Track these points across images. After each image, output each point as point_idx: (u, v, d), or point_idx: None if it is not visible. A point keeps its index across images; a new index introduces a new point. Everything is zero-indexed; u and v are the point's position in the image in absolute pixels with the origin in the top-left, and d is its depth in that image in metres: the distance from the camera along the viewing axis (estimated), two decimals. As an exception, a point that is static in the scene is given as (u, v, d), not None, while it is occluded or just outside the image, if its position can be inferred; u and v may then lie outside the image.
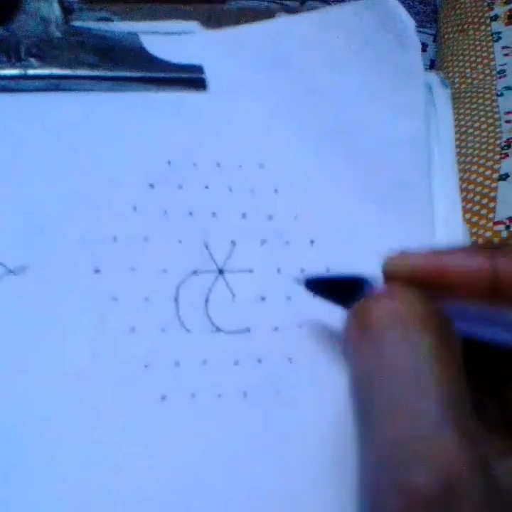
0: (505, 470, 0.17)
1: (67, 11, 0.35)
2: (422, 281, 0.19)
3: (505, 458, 0.18)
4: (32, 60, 0.34)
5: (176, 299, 0.30)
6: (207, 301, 0.30)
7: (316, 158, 0.33)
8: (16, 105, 0.33)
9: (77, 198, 0.31)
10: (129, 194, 0.32)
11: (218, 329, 0.30)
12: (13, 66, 0.33)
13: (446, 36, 0.47)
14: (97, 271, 0.30)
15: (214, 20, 0.38)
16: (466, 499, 0.15)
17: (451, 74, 0.42)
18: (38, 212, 0.31)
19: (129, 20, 0.37)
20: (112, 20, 0.37)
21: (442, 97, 0.36)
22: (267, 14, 0.38)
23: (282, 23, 0.37)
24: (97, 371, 0.28)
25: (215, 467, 0.27)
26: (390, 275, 0.20)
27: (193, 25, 0.37)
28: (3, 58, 0.33)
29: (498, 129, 0.36)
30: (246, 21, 0.37)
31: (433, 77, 0.37)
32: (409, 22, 0.35)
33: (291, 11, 0.38)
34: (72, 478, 0.27)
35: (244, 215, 0.32)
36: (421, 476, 0.15)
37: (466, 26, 0.46)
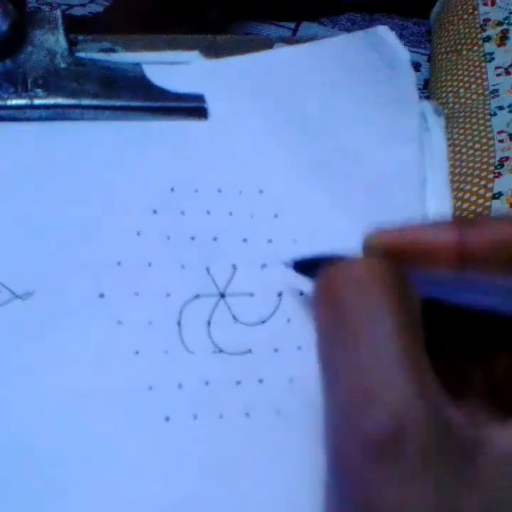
0: (495, 436, 0.18)
1: (72, 42, 0.36)
2: (395, 254, 0.21)
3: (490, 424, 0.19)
4: (38, 90, 0.35)
5: (179, 322, 0.31)
6: (209, 323, 0.31)
7: (314, 183, 0.34)
8: (22, 134, 0.34)
9: (81, 224, 0.32)
10: (133, 220, 0.33)
11: (221, 350, 0.30)
12: (19, 96, 0.34)
13: (439, 57, 0.48)
14: (101, 295, 0.31)
15: (214, 50, 0.39)
16: (414, 440, 0.16)
17: (445, 94, 0.43)
18: (44, 238, 0.32)
19: (132, 50, 0.38)
20: (115, 51, 0.38)
21: (436, 125, 0.37)
22: (266, 44, 0.39)
23: (281, 52, 0.38)
24: (102, 393, 0.29)
25: (218, 486, 0.28)
26: (368, 250, 0.22)
27: (193, 55, 0.38)
28: (11, 89, 0.34)
29: (491, 148, 0.36)
30: (245, 51, 0.38)
31: (427, 106, 0.38)
32: (404, 54, 0.36)
33: (288, 41, 0.39)
34: (76, 497, 0.28)
35: (244, 240, 0.33)
36: (372, 419, 0.17)
37: (459, 47, 0.47)
